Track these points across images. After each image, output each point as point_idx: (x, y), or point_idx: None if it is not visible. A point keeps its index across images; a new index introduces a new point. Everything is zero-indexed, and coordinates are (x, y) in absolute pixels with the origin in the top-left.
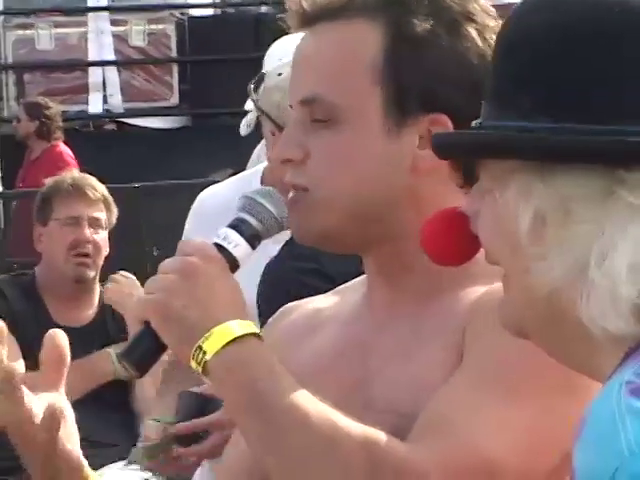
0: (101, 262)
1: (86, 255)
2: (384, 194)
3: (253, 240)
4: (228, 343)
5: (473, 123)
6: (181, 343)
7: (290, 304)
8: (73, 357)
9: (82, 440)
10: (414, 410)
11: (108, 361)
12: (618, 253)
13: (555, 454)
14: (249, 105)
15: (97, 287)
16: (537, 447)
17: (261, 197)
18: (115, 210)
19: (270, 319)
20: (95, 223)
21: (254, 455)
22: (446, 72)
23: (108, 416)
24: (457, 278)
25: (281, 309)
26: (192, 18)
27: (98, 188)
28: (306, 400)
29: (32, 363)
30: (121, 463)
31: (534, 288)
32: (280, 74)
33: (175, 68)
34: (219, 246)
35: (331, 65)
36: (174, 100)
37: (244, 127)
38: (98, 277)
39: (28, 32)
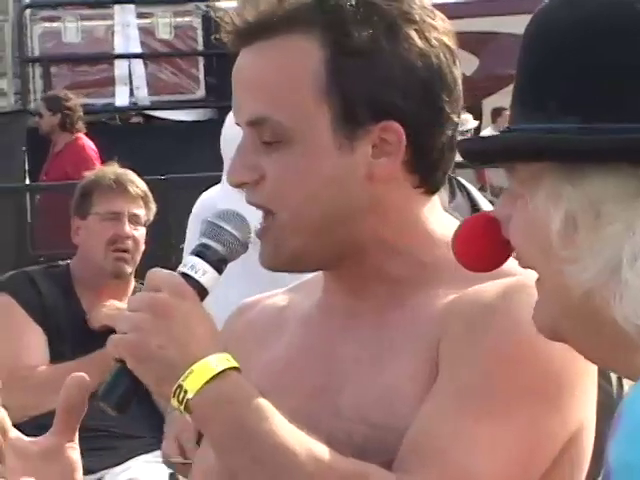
0: (139, 258)
1: (125, 251)
2: (345, 208)
3: (219, 265)
4: (209, 380)
5: (501, 128)
6: (160, 382)
7: (248, 300)
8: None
9: (106, 432)
10: (386, 421)
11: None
12: None
13: (541, 468)
14: None
15: (132, 282)
16: (526, 462)
17: (223, 221)
18: (153, 207)
19: (229, 315)
20: (135, 219)
21: None
22: (390, 78)
23: (132, 408)
24: (418, 284)
25: (239, 305)
26: (218, 11)
27: (139, 184)
28: (294, 437)
29: (60, 354)
30: (147, 455)
31: (568, 290)
32: None
33: (201, 61)
34: (186, 275)
35: (275, 86)
36: (200, 93)
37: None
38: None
39: (55, 25)
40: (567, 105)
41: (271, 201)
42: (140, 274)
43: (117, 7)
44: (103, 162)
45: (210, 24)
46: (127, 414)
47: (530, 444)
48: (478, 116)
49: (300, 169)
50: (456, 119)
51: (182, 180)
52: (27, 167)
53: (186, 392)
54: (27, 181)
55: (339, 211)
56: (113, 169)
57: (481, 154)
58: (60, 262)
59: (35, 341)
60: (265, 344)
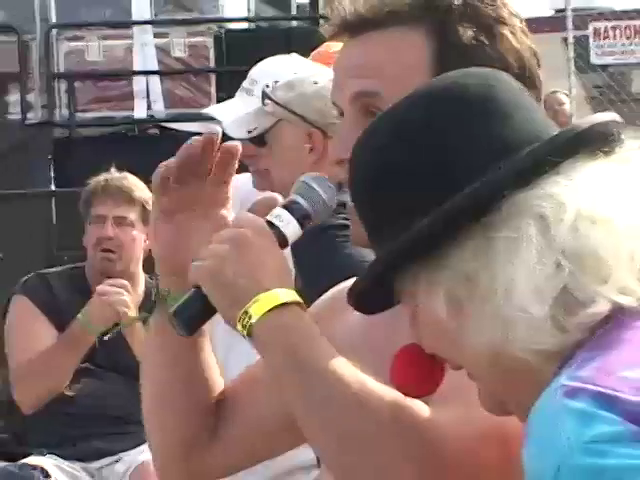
0: (130, 255)
1: (109, 251)
2: None
3: (303, 220)
4: (273, 308)
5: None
6: (229, 307)
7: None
8: (116, 348)
9: (124, 419)
10: None
11: (77, 325)
12: (517, 284)
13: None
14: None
15: (141, 277)
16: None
17: (314, 183)
18: (149, 207)
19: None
20: (120, 221)
21: (289, 408)
22: None
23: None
24: None
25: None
26: (229, 32)
27: (127, 188)
28: (341, 363)
29: None
30: None
31: (483, 359)
32: (316, 82)
33: (213, 78)
34: (271, 223)
35: (387, 67)
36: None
37: (241, 132)
38: (140, 268)
39: (78, 44)
40: (395, 217)
41: None
42: (148, 269)
43: (136, 28)
44: (118, 170)
45: (221, 44)
46: (193, 333)
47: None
48: None
49: None
50: None
51: None
52: (53, 174)
53: (250, 317)
54: (52, 187)
55: None
56: (107, 175)
57: (364, 298)
58: (79, 264)
59: (49, 339)
60: (340, 317)
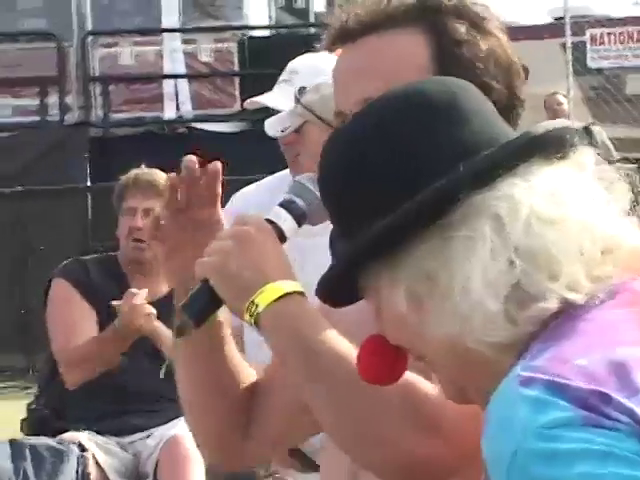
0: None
1: (139, 240)
2: None
3: (300, 219)
4: (278, 298)
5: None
6: (236, 298)
7: None
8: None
9: (154, 396)
10: None
11: (114, 328)
12: (473, 281)
13: None
14: (287, 110)
15: None
16: None
17: (309, 183)
18: None
19: None
20: (149, 213)
21: (300, 392)
22: (485, 64)
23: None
24: None
25: None
26: (252, 38)
27: (154, 182)
28: (344, 345)
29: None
30: None
31: (442, 351)
32: None
33: (237, 80)
34: (270, 221)
35: (389, 70)
36: (236, 108)
37: (275, 130)
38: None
39: (112, 50)
40: (357, 219)
41: None
42: None
43: (165, 35)
44: (148, 167)
45: (245, 49)
46: (194, 327)
47: None
48: None
49: None
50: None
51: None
52: (89, 171)
53: (257, 306)
54: (88, 183)
55: None
56: (137, 170)
57: (333, 293)
58: (111, 253)
59: (86, 317)
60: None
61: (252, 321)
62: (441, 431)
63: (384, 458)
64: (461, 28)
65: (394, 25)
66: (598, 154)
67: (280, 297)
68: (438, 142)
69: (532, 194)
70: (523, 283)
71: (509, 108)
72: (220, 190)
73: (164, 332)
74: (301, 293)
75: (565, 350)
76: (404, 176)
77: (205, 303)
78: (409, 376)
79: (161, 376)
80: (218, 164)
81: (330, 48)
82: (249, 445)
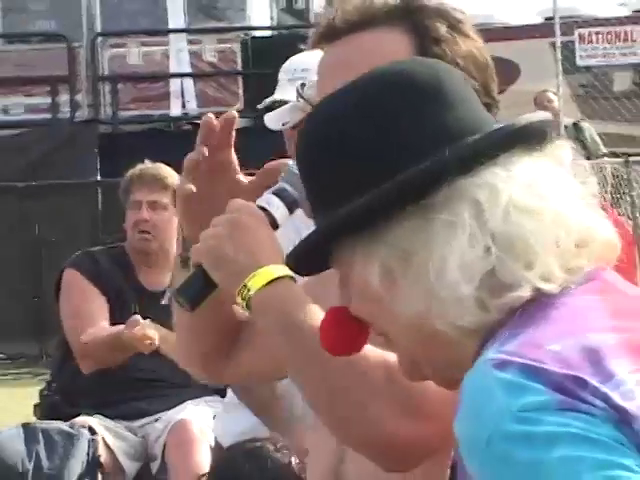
0: (164, 235)
1: (145, 232)
2: None
3: (291, 206)
4: (269, 282)
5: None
6: (229, 282)
7: None
8: (154, 314)
9: (161, 382)
10: None
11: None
12: (448, 263)
13: None
14: (289, 104)
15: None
16: None
17: None
18: None
19: None
20: (154, 205)
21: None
22: (467, 66)
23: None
24: None
25: None
26: (254, 38)
27: (160, 176)
28: None
29: (120, 315)
30: (194, 401)
31: (406, 328)
32: None
33: (240, 79)
34: (262, 208)
35: (372, 66)
36: (239, 106)
37: (276, 122)
38: (174, 246)
39: (121, 50)
40: (339, 193)
41: None
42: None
43: (172, 35)
44: (154, 162)
45: (247, 49)
46: (195, 307)
47: None
48: None
49: None
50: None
51: None
52: (98, 166)
53: (249, 290)
54: (98, 178)
55: None
56: (142, 166)
57: (305, 264)
58: (119, 244)
59: (98, 303)
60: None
61: (244, 304)
62: (424, 412)
63: (369, 438)
64: (442, 28)
65: (379, 24)
66: (574, 149)
67: (271, 281)
68: (422, 122)
69: (512, 184)
70: (497, 270)
71: (485, 108)
72: (234, 132)
73: (167, 340)
74: (292, 278)
75: (537, 336)
76: (385, 154)
77: (200, 287)
78: (391, 357)
79: (164, 302)
80: (233, 112)
81: (317, 46)
82: (228, 367)
